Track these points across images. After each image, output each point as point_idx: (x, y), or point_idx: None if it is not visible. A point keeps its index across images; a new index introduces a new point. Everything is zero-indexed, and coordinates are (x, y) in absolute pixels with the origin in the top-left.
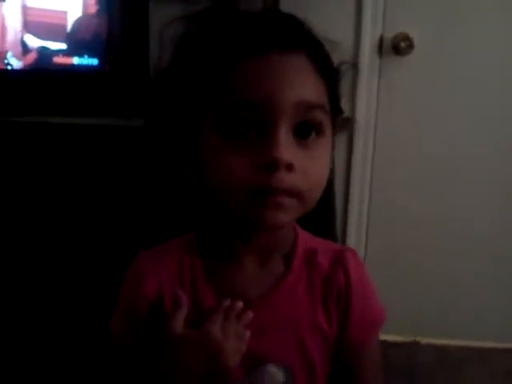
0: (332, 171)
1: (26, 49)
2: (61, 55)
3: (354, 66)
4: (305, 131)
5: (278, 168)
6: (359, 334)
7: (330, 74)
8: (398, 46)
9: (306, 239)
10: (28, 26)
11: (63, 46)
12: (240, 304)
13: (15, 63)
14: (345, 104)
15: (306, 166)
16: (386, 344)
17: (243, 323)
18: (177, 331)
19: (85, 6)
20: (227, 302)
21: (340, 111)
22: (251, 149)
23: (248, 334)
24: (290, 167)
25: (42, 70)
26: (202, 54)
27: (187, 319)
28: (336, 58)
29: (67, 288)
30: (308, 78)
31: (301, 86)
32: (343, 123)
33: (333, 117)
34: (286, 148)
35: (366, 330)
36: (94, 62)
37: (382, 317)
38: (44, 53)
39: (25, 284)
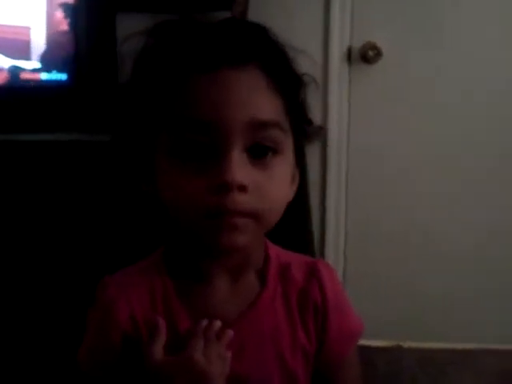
0: (306, 183)
1: None
2: (28, 71)
3: (314, 80)
4: (260, 152)
5: (230, 189)
6: (338, 348)
7: (288, 87)
8: (366, 55)
9: (277, 253)
10: None
11: (31, 63)
12: (218, 323)
13: None
14: (316, 113)
15: (262, 186)
16: (369, 349)
17: (224, 343)
18: (157, 358)
19: (49, 21)
20: (205, 322)
21: (306, 122)
22: (203, 171)
23: (229, 354)
24: (242, 188)
25: (10, 87)
26: (155, 71)
27: (164, 344)
28: (303, 67)
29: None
30: (261, 95)
31: (252, 104)
32: (315, 132)
33: (295, 130)
34: (239, 169)
35: (344, 342)
36: (63, 77)
37: (359, 328)
38: (13, 71)
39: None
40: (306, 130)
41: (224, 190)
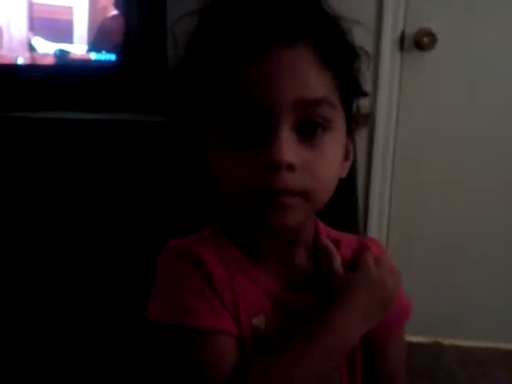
0: (354, 166)
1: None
2: (78, 50)
3: (366, 53)
4: (310, 129)
5: (279, 169)
6: (384, 325)
7: (340, 61)
8: (420, 41)
9: (328, 232)
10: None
11: (76, 45)
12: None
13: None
14: (365, 100)
15: (311, 164)
16: (408, 345)
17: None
18: (341, 274)
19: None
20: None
21: (361, 94)
22: (253, 151)
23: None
24: (291, 167)
25: (60, 66)
26: (206, 54)
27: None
28: (357, 40)
29: (81, 286)
30: (310, 72)
31: (301, 82)
32: (363, 119)
33: (346, 106)
34: (288, 148)
35: (391, 320)
36: (112, 57)
37: (407, 309)
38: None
39: (29, 283)
40: (357, 111)
41: (273, 170)
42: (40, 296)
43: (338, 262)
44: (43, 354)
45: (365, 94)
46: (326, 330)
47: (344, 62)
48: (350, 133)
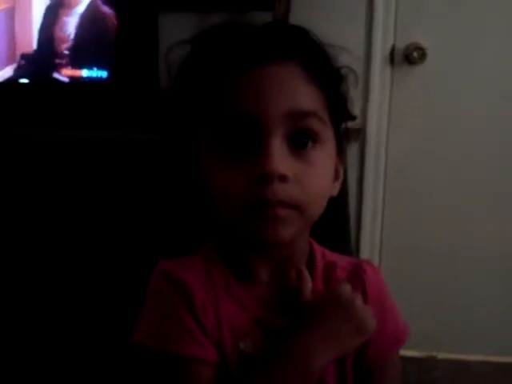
0: (345, 183)
1: None
2: (69, 67)
3: (351, 69)
4: (300, 141)
5: (271, 180)
6: (379, 351)
7: (328, 82)
8: (410, 56)
9: (323, 253)
10: None
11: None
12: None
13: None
14: (356, 114)
15: (302, 176)
16: (402, 359)
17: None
18: (309, 299)
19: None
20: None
21: (348, 118)
22: (245, 162)
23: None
24: (283, 178)
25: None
26: (199, 72)
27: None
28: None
29: (76, 304)
30: (299, 86)
31: (290, 95)
32: (354, 134)
33: (336, 124)
34: (280, 159)
35: (386, 346)
36: (103, 74)
37: (403, 333)
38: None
39: (26, 303)
40: (347, 126)
41: (265, 181)
42: (35, 308)
43: (307, 287)
44: (45, 357)
45: (353, 118)
46: (289, 354)
47: (331, 81)
48: (341, 153)
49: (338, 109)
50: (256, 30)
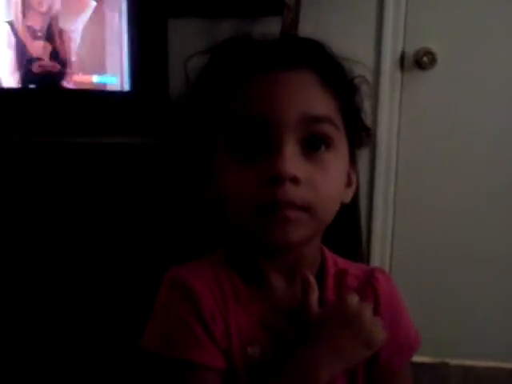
0: (356, 188)
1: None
2: (80, 73)
3: (365, 79)
4: (313, 145)
5: (282, 181)
6: (390, 359)
7: (340, 90)
8: (420, 61)
9: (335, 260)
10: None
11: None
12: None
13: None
14: (366, 120)
15: (314, 179)
16: (414, 365)
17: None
18: (316, 309)
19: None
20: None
21: (362, 128)
22: (258, 164)
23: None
24: (295, 180)
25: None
26: (217, 78)
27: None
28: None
29: (84, 310)
30: (312, 92)
31: (304, 100)
32: (364, 139)
33: (349, 131)
34: (292, 161)
35: (396, 354)
36: (113, 80)
37: (414, 341)
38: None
39: (28, 309)
40: (360, 132)
41: (276, 182)
42: (44, 316)
43: (314, 297)
44: (45, 358)
45: (367, 129)
46: (295, 366)
47: (345, 90)
48: (354, 161)
49: (352, 118)
50: (272, 41)
